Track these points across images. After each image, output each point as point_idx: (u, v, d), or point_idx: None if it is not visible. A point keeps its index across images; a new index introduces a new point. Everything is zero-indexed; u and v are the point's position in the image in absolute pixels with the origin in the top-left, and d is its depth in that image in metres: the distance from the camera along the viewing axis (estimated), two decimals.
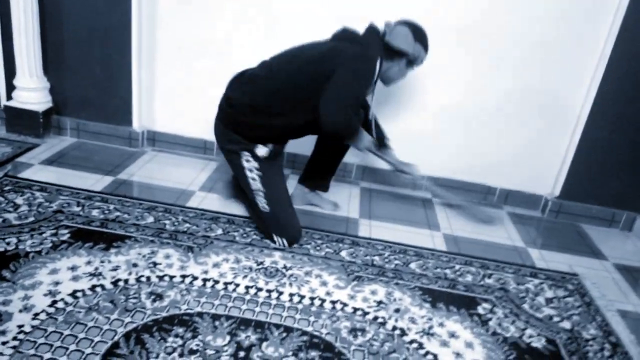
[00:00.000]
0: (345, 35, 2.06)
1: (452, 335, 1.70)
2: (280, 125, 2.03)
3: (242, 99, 2.01)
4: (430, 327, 1.72)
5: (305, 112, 1.97)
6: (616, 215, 2.79)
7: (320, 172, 2.44)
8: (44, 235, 1.89)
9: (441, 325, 1.74)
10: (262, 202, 2.05)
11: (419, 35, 2.04)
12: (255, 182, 2.05)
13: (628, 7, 2.37)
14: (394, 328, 1.69)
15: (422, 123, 2.74)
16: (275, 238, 2.06)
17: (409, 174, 2.36)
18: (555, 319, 1.89)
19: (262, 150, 2.04)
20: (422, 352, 1.60)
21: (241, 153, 2.04)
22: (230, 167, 2.15)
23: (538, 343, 1.73)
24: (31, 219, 1.99)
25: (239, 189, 2.24)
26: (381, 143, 2.34)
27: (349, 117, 1.94)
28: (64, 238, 1.90)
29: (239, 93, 2.03)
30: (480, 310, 1.86)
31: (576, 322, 1.89)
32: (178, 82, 2.77)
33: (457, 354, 1.62)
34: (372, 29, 2.06)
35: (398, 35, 2.02)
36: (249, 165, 2.05)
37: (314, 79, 1.93)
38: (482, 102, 2.67)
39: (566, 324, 1.86)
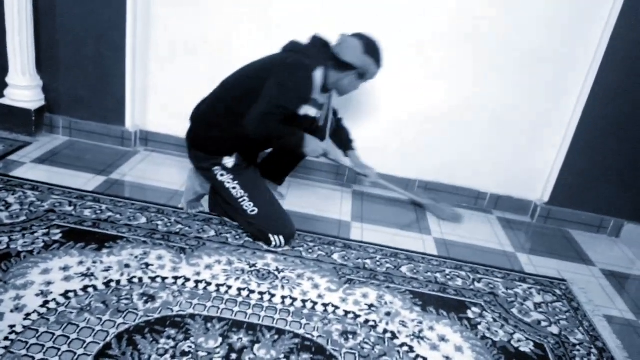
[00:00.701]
0: (290, 47, 2.10)
1: (442, 339, 1.72)
2: (235, 138, 2.06)
3: (199, 117, 2.15)
4: (421, 331, 1.74)
5: None
6: (604, 222, 2.83)
7: (274, 171, 2.45)
8: (35, 234, 1.88)
9: (431, 329, 1.76)
10: (249, 207, 2.08)
11: (370, 48, 2.04)
12: (236, 190, 2.09)
13: (619, 16, 2.41)
14: (385, 331, 1.71)
15: (415, 129, 2.76)
16: (271, 237, 2.07)
17: (367, 177, 2.43)
18: (544, 323, 1.91)
19: (229, 162, 2.10)
20: (412, 355, 1.62)
21: (213, 169, 2.11)
22: (211, 184, 2.21)
23: (526, 347, 1.76)
24: (23, 218, 1.98)
25: (217, 201, 2.24)
26: (346, 147, 2.41)
27: (268, 127, 1.97)
28: (56, 238, 1.89)
29: (197, 113, 2.17)
30: (469, 314, 1.89)
31: (564, 327, 1.92)
32: (172, 81, 2.77)
33: (447, 358, 1.64)
34: (315, 39, 2.09)
35: (347, 47, 2.03)
36: (224, 178, 2.11)
37: (251, 90, 1.98)
38: (474, 108, 2.70)
39: (554, 329, 1.89)
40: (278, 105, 1.95)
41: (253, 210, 2.07)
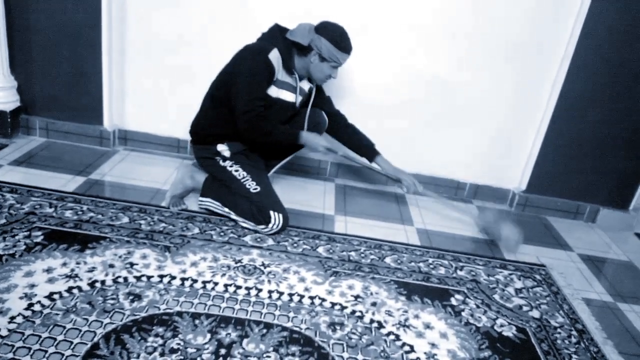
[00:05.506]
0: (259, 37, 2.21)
1: (427, 326, 1.75)
2: (224, 128, 2.19)
3: (195, 118, 2.30)
4: (406, 319, 1.77)
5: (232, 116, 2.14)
6: (580, 208, 2.90)
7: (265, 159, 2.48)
8: (16, 237, 1.86)
9: (416, 317, 1.79)
10: (252, 185, 2.16)
11: (323, 29, 2.09)
12: (238, 172, 2.20)
13: (588, 10, 2.47)
14: (372, 321, 1.73)
15: (394, 120, 2.79)
16: (272, 214, 2.10)
17: (403, 184, 2.42)
18: (525, 308, 1.96)
19: (224, 149, 2.23)
20: (399, 343, 1.65)
21: (215, 158, 2.25)
22: (212, 172, 2.27)
23: (509, 332, 1.80)
24: (2, 221, 1.95)
25: (212, 187, 2.27)
26: (371, 153, 2.42)
27: (256, 126, 2.09)
28: (38, 240, 1.87)
29: (194, 118, 2.32)
30: (453, 301, 1.92)
31: (544, 310, 1.97)
32: (150, 79, 2.74)
33: (433, 344, 1.67)
34: (273, 26, 2.17)
35: (297, 30, 2.11)
36: (226, 163, 2.24)
37: (224, 82, 2.15)
38: (452, 99, 2.74)
39: (535, 313, 1.94)
40: (250, 97, 2.04)
41: (256, 189, 2.14)
